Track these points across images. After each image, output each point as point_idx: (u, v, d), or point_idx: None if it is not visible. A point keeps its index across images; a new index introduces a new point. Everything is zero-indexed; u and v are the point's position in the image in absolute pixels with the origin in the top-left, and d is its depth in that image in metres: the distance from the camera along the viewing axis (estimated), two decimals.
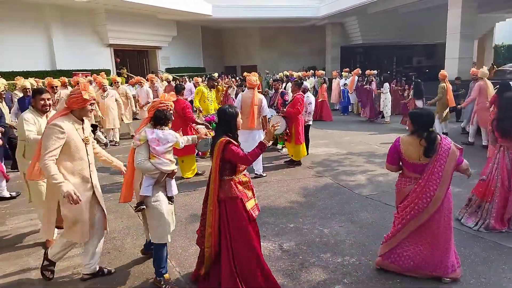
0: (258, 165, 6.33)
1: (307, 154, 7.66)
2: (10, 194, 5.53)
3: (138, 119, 11.23)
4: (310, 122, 7.62)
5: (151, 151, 3.09)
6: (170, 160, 3.17)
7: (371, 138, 9.44)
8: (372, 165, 6.87)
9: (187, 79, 16.08)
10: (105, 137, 9.18)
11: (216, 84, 9.00)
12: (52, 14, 16.24)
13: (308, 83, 13.63)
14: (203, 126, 5.78)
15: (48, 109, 3.86)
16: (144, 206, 3.14)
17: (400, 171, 3.26)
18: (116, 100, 9.18)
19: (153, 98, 10.77)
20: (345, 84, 13.64)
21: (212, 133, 6.98)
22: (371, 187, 5.66)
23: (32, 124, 3.74)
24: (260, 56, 27.40)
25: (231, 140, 2.90)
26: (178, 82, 11.97)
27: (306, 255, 3.62)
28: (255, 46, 27.64)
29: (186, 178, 6.29)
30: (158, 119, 3.17)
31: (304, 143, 7.01)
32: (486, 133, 7.62)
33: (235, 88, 12.83)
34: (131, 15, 18.61)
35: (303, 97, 6.91)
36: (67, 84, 9.63)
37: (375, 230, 4.08)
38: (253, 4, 21.67)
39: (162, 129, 3.16)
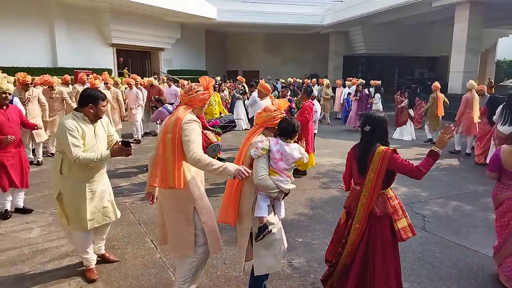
0: None
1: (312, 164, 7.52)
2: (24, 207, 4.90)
3: (126, 121, 10.56)
4: (316, 131, 7.47)
5: (271, 166, 2.65)
6: (291, 178, 2.72)
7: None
8: None
9: (187, 82, 15.98)
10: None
11: (217, 87, 8.86)
12: (56, 11, 16.08)
13: (315, 91, 13.58)
14: (210, 132, 5.63)
15: (102, 117, 3.29)
16: (270, 230, 2.65)
17: (498, 179, 3.45)
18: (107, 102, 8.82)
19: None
20: (348, 93, 13.52)
21: (220, 138, 6.88)
22: None
23: (77, 137, 3.02)
24: (263, 62, 27.32)
25: (395, 149, 2.65)
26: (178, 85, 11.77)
27: (317, 274, 3.42)
28: (258, 51, 27.57)
29: None
30: (286, 131, 2.69)
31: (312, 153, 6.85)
32: (470, 142, 8.63)
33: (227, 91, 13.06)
34: (136, 15, 18.47)
35: (312, 104, 6.75)
36: (70, 82, 9.45)
37: None
38: (258, 10, 21.61)
39: (287, 143, 2.69)
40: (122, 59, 19.93)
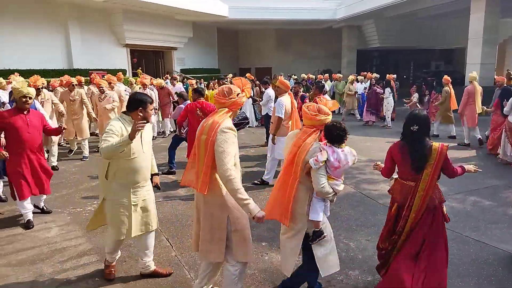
0: (272, 172, 6.13)
1: None
2: (45, 207, 4.93)
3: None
4: None
5: (328, 172, 2.68)
6: (342, 179, 2.80)
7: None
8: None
9: (201, 81, 16.00)
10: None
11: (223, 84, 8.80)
12: (70, 13, 16.33)
13: (327, 86, 13.45)
14: None
15: (150, 121, 3.18)
16: (325, 235, 2.74)
17: None
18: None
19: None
20: (364, 88, 13.33)
21: None
22: None
23: (115, 135, 2.91)
24: (275, 58, 27.22)
25: (448, 145, 2.90)
26: (197, 85, 11.63)
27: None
28: (270, 48, 27.48)
29: None
30: (339, 137, 2.71)
31: None
32: (467, 132, 8.75)
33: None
34: (148, 15, 18.62)
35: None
36: (83, 83, 9.59)
37: None
38: (269, 6, 21.52)
39: (341, 148, 2.72)
40: (136, 59, 20.13)
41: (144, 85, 9.65)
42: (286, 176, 2.76)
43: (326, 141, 2.77)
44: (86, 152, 7.99)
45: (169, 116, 10.33)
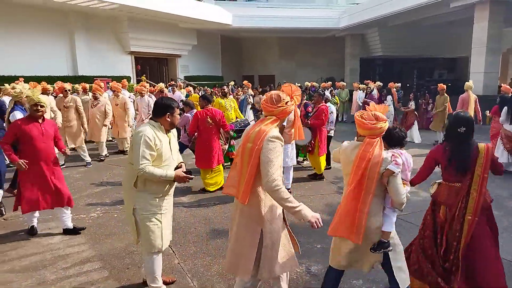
0: (290, 178, 6.11)
1: (330, 167, 7.49)
2: (74, 226, 4.53)
3: (114, 138, 10.29)
4: (332, 133, 7.51)
5: (403, 178, 2.61)
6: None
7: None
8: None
9: (204, 88, 16.06)
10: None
11: (226, 92, 8.65)
12: (76, 21, 16.50)
13: (329, 94, 13.47)
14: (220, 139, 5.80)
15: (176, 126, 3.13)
16: (391, 249, 2.64)
17: None
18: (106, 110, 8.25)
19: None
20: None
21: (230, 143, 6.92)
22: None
23: (151, 149, 2.83)
24: (278, 66, 27.33)
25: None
26: (204, 92, 11.59)
27: None
28: (274, 56, 27.60)
29: (208, 191, 6.11)
30: (401, 140, 2.70)
31: (325, 155, 6.86)
32: None
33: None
34: (153, 23, 18.78)
35: (327, 107, 6.79)
36: (88, 89, 9.65)
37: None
38: (273, 15, 21.66)
39: (402, 151, 2.69)
40: (139, 67, 20.26)
41: (141, 93, 9.33)
42: (355, 192, 2.57)
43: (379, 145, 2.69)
44: (88, 158, 7.94)
45: None
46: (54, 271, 3.63)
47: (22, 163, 4.03)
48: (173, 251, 4.02)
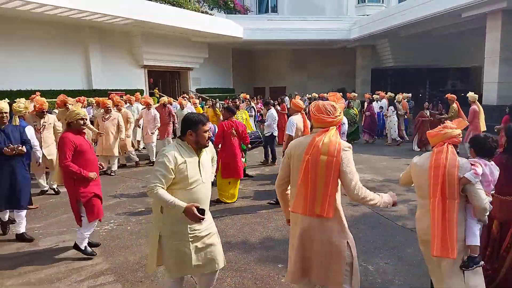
0: None
1: None
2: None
3: (143, 149, 10.46)
4: None
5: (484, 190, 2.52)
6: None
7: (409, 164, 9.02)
8: (413, 194, 6.46)
9: (216, 101, 16.16)
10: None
11: (238, 104, 8.77)
12: (91, 36, 16.88)
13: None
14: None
15: (206, 145, 2.80)
16: (483, 263, 2.56)
17: None
18: (119, 124, 8.15)
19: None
20: (380, 108, 13.27)
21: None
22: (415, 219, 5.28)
23: (168, 171, 2.59)
24: (289, 78, 27.43)
25: None
26: (229, 104, 11.20)
27: None
28: (285, 67, 27.74)
29: (224, 203, 6.12)
30: (489, 149, 2.63)
31: None
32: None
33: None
34: (166, 37, 19.09)
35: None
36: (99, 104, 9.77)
37: (426, 270, 3.73)
38: (283, 27, 21.83)
39: (490, 162, 2.61)
40: (152, 80, 20.56)
41: (148, 106, 9.28)
42: (441, 203, 2.51)
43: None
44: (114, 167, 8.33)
45: (169, 135, 10.04)
46: (68, 284, 3.66)
47: (92, 175, 4.10)
48: None
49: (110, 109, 8.13)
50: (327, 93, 18.08)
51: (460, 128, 2.69)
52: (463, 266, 2.50)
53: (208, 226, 2.83)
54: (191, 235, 2.71)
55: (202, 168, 2.77)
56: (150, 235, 2.92)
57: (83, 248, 4.22)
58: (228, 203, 6.07)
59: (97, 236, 4.84)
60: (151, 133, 9.15)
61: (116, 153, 8.29)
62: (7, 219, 4.91)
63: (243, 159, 7.12)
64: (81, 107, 8.04)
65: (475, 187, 2.44)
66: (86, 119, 4.29)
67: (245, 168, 8.17)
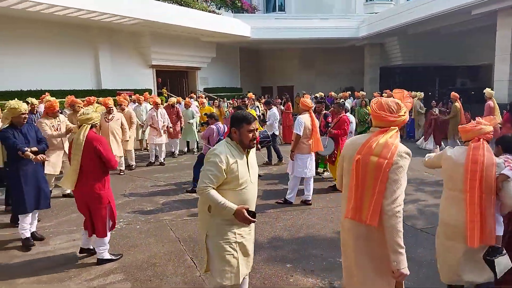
0: (310, 189, 6.10)
1: None
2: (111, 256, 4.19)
3: (146, 150, 10.28)
4: None
5: None
6: None
7: (418, 163, 8.93)
8: (422, 194, 6.43)
9: (224, 100, 16.19)
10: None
11: (246, 104, 8.70)
12: (100, 36, 17.01)
13: (348, 104, 13.37)
14: None
15: (250, 145, 2.67)
16: (505, 251, 2.65)
17: None
18: (122, 125, 8.03)
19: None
20: None
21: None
22: (424, 219, 5.25)
23: (219, 171, 2.52)
24: (297, 76, 27.35)
25: None
26: (240, 104, 10.82)
27: None
28: (292, 66, 27.66)
29: None
30: None
31: None
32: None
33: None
34: (174, 37, 19.16)
35: (348, 118, 6.82)
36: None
37: (436, 271, 3.70)
38: (291, 26, 21.77)
39: None
40: (160, 80, 20.66)
41: (156, 105, 9.24)
42: (477, 197, 2.59)
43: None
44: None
45: (178, 136, 10.24)
46: (78, 282, 3.70)
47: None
48: (195, 264, 4.03)
49: (112, 109, 7.91)
50: (335, 91, 18.11)
51: (492, 125, 2.78)
52: (488, 255, 2.60)
53: (251, 230, 2.77)
54: (238, 238, 2.63)
55: (251, 169, 2.69)
56: (199, 236, 2.89)
57: (110, 258, 4.11)
58: None
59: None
60: (163, 132, 9.16)
61: (121, 153, 8.11)
62: (32, 229, 4.66)
63: None
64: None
65: (511, 184, 2.54)
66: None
67: None
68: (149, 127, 9.36)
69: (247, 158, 2.67)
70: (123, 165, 8.54)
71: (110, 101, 8.00)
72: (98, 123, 4.24)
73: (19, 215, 4.55)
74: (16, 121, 4.51)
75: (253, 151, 2.78)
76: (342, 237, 2.49)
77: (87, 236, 4.19)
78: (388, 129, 2.30)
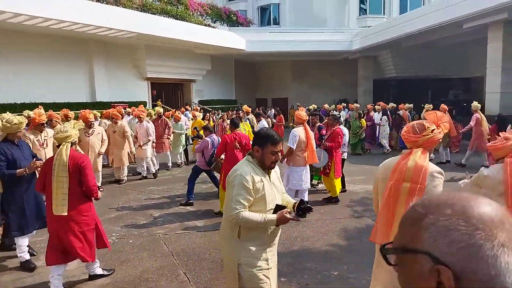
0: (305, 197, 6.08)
1: (345, 190, 7.43)
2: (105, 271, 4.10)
3: (133, 163, 9.94)
4: (345, 156, 7.55)
5: None
6: None
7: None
8: None
9: (218, 112, 16.25)
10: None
11: (241, 116, 8.63)
12: (95, 49, 17.07)
13: (342, 116, 13.46)
14: None
15: (272, 167, 2.54)
16: None
17: None
18: (102, 138, 7.85)
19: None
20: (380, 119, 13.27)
21: None
22: None
23: (248, 192, 2.38)
24: (292, 89, 27.53)
25: None
26: (234, 116, 10.95)
27: None
28: (287, 79, 27.87)
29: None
30: None
31: (340, 178, 6.88)
32: (485, 157, 9.34)
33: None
34: (169, 50, 19.28)
35: (341, 130, 6.87)
36: (99, 117, 9.77)
37: None
38: (285, 39, 22.00)
39: None
40: (155, 92, 20.70)
41: (140, 119, 9.04)
42: None
43: None
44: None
45: (168, 149, 10.05)
46: None
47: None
48: (188, 278, 3.98)
49: (93, 123, 7.73)
50: (329, 104, 18.19)
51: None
52: None
53: (275, 254, 2.65)
54: (270, 260, 2.51)
55: (275, 187, 2.56)
56: (225, 264, 2.69)
57: (102, 273, 4.03)
58: None
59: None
60: (144, 146, 8.91)
61: (100, 168, 7.88)
62: (28, 255, 4.40)
63: None
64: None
65: None
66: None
67: None
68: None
69: (269, 177, 2.54)
70: (100, 182, 7.97)
71: (90, 115, 7.77)
72: (77, 141, 3.92)
73: (17, 238, 4.30)
74: (12, 137, 4.29)
75: (275, 171, 2.64)
76: (376, 258, 2.50)
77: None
78: (412, 151, 2.36)
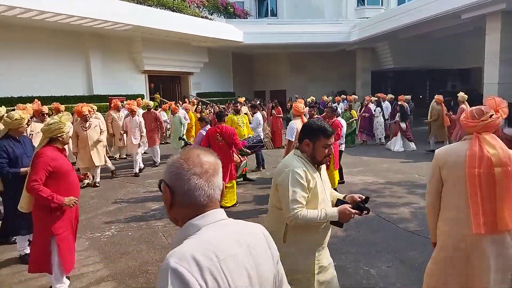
0: None
1: (343, 182, 7.46)
2: None
3: (128, 156, 9.95)
4: (343, 147, 7.53)
5: None
6: None
7: (409, 166, 9.00)
8: (414, 196, 6.47)
9: (217, 105, 16.21)
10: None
11: (239, 109, 8.51)
12: (91, 42, 16.94)
13: (340, 108, 13.47)
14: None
15: (322, 161, 2.34)
16: None
17: None
18: (101, 130, 7.74)
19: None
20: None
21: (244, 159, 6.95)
22: (417, 221, 5.27)
23: (303, 189, 2.20)
24: (289, 81, 27.46)
25: None
26: (219, 110, 11.08)
27: None
28: (285, 71, 27.78)
29: (224, 207, 6.10)
30: None
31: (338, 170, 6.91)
32: None
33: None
34: (166, 43, 19.16)
35: (340, 122, 6.88)
36: (94, 111, 9.66)
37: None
38: (282, 31, 21.89)
39: None
40: (153, 85, 20.62)
41: (132, 112, 8.83)
42: None
43: None
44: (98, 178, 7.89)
45: (157, 143, 9.84)
46: None
47: (70, 201, 3.54)
48: None
49: (88, 117, 7.53)
50: (327, 95, 18.19)
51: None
52: None
53: (328, 255, 2.48)
54: (317, 266, 2.31)
55: (325, 185, 2.39)
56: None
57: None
58: (228, 207, 6.06)
59: (98, 242, 4.84)
60: (135, 140, 8.78)
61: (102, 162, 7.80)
62: (28, 249, 4.22)
63: (244, 164, 7.10)
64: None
65: None
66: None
67: (246, 172, 8.18)
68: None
69: (320, 174, 2.36)
70: (99, 177, 7.94)
71: (85, 108, 7.53)
72: (64, 136, 3.52)
73: (18, 236, 4.28)
74: (13, 133, 4.22)
75: (323, 166, 2.46)
76: (458, 254, 2.39)
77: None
78: (478, 136, 2.35)
